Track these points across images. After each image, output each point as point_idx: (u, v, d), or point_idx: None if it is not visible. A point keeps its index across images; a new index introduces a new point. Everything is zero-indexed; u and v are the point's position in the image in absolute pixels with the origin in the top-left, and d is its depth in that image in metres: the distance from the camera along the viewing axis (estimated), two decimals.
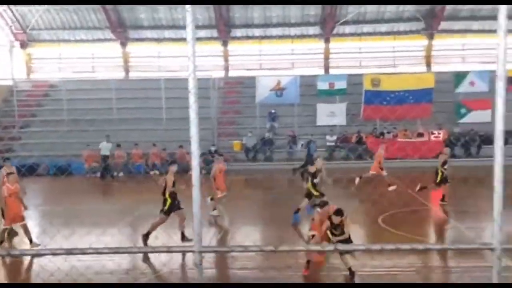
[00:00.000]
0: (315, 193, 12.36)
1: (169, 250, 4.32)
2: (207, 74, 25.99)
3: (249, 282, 8.59)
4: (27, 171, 21.21)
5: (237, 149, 24.75)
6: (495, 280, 3.51)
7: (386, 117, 22.75)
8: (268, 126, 25.69)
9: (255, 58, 30.41)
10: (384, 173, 17.19)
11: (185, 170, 19.46)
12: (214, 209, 13.26)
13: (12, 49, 29.49)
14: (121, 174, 22.44)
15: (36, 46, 30.42)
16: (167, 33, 29.04)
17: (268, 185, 19.53)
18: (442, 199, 14.72)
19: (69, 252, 4.03)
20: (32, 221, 13.46)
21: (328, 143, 24.74)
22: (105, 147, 22.13)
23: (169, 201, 10.66)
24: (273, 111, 25.78)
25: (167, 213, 10.65)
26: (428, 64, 29.64)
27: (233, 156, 24.34)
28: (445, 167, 14.67)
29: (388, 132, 24.30)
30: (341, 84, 25.08)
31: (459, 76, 24.67)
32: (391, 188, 16.92)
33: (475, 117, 23.51)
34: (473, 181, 17.75)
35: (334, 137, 24.75)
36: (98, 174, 22.19)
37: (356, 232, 12.58)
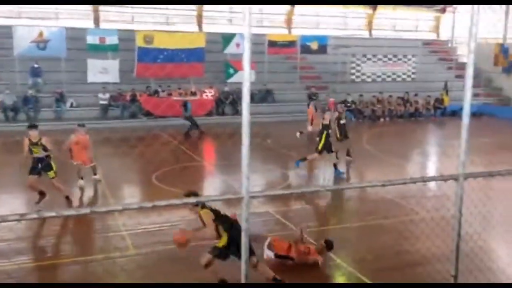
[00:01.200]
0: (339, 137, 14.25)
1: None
2: None
3: (7, 254, 7.73)
4: None
5: None
6: (244, 227, 3.79)
7: (159, 75, 22.79)
8: (31, 83, 23.09)
9: (12, 6, 26.64)
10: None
11: None
12: None
13: None
14: None
15: None
16: None
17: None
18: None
19: None
20: None
21: (101, 102, 23.61)
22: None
23: None
24: (36, 65, 23.22)
25: None
26: (199, 24, 30.53)
27: None
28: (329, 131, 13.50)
29: (163, 91, 24.43)
30: (112, 39, 23.94)
31: (227, 38, 26.12)
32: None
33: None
34: (238, 136, 19.26)
35: (107, 95, 23.74)
36: None
37: (131, 191, 12.55)
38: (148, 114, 23.22)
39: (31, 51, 22.18)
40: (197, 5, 30.05)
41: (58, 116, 22.69)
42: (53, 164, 10.38)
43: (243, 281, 3.84)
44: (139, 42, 23.64)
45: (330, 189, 11.83)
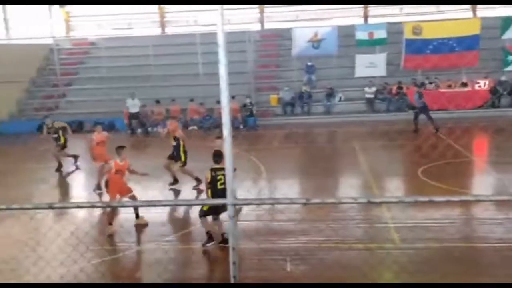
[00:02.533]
0: None
1: (203, 202, 4.42)
2: (243, 27, 25.70)
3: (281, 234, 8.73)
4: (77, 127, 22.03)
5: (274, 103, 24.61)
6: None
7: (426, 66, 21.95)
8: (306, 79, 25.32)
9: (291, 9, 29.65)
10: None
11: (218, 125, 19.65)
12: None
13: (50, 8, 29.86)
14: (160, 129, 22.81)
15: (73, 4, 30.73)
16: None
17: (306, 139, 19.47)
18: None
19: (107, 205, 4.21)
20: (85, 174, 14.12)
21: (366, 95, 24.24)
22: (131, 105, 22.42)
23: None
24: (310, 63, 25.33)
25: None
26: (474, 10, 28.09)
27: (270, 111, 24.31)
28: None
29: (430, 83, 23.51)
30: (380, 33, 24.20)
31: (507, 21, 23.35)
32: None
33: None
34: None
35: (373, 89, 24.19)
36: (139, 130, 22.70)
37: (396, 184, 12.56)
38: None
39: (307, 50, 24.26)
40: None
41: (328, 110, 24.26)
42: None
43: None
44: (407, 34, 23.22)
45: None
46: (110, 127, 20.94)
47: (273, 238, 8.49)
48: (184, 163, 12.02)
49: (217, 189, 8.03)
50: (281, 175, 13.61)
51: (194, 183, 11.86)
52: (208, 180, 8.16)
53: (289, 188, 11.63)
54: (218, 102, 17.74)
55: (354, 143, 16.76)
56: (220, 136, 10.99)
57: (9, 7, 25.79)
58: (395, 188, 12.09)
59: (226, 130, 4.00)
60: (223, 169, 7.68)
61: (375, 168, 13.38)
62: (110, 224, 9.09)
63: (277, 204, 3.72)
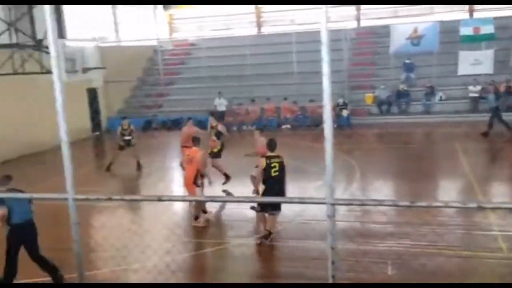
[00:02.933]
0: None
1: (302, 201, 4.45)
2: (339, 25, 25.36)
3: (380, 236, 8.52)
4: (173, 125, 23.38)
5: (369, 102, 24.02)
6: None
7: None
8: (403, 77, 24.39)
9: (389, 5, 28.72)
10: None
11: (316, 123, 19.61)
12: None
13: (155, 11, 31.64)
14: (254, 127, 23.27)
15: (177, 7, 32.36)
16: None
17: (403, 139, 18.80)
18: None
19: (211, 199, 4.39)
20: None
21: (471, 94, 22.80)
22: (218, 103, 23.24)
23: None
24: (408, 61, 24.36)
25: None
26: None
27: (366, 109, 23.80)
28: None
29: None
30: (488, 29, 22.61)
31: None
32: None
33: None
34: None
35: (478, 87, 22.68)
36: (234, 128, 23.35)
37: (503, 190, 11.70)
38: None
39: (405, 47, 23.33)
40: None
41: (427, 109, 23.19)
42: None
43: None
44: None
45: None
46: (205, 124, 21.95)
47: (373, 240, 8.31)
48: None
49: (271, 176, 8.40)
50: (377, 175, 13.28)
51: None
52: (263, 167, 8.44)
53: (386, 189, 11.32)
54: (311, 100, 18.19)
55: (455, 144, 15.89)
56: (260, 129, 11.71)
57: (119, 11, 27.71)
58: (501, 194, 11.29)
59: (327, 129, 4.00)
60: (277, 156, 8.58)
61: (479, 172, 12.59)
62: (198, 217, 9.43)
63: (379, 206, 3.63)
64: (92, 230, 9.37)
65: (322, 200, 4.05)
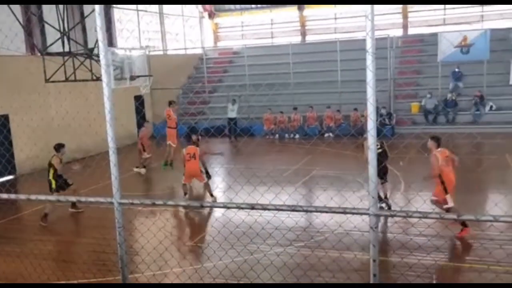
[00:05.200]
0: None
1: (344, 211, 4.39)
2: (385, 33, 24.98)
3: (425, 249, 8.27)
4: (216, 132, 23.65)
5: (415, 111, 23.49)
6: None
7: None
8: (451, 86, 23.71)
9: (437, 13, 28.08)
10: None
11: (359, 133, 19.32)
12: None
13: (201, 20, 32.23)
14: (296, 136, 23.25)
15: (222, 16, 32.87)
16: None
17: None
18: None
19: (252, 206, 4.40)
20: (218, 177, 14.95)
21: None
22: (230, 110, 23.50)
23: None
24: (457, 69, 23.67)
25: None
26: None
27: (411, 119, 23.27)
28: None
29: None
30: None
31: None
32: None
33: None
34: None
35: None
36: (276, 136, 23.38)
37: None
38: None
39: (454, 56, 22.69)
40: None
41: (476, 119, 22.43)
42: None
43: None
44: None
45: None
46: (245, 131, 23.37)
47: (417, 253, 8.07)
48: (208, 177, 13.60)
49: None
50: (422, 187, 12.91)
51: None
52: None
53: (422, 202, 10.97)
54: (355, 109, 18.08)
55: (506, 156, 15.24)
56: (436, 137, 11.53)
57: (167, 22, 28.37)
58: None
59: (371, 138, 3.94)
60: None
61: None
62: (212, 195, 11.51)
63: (425, 218, 3.52)
64: (136, 233, 9.56)
65: (365, 211, 3.98)
